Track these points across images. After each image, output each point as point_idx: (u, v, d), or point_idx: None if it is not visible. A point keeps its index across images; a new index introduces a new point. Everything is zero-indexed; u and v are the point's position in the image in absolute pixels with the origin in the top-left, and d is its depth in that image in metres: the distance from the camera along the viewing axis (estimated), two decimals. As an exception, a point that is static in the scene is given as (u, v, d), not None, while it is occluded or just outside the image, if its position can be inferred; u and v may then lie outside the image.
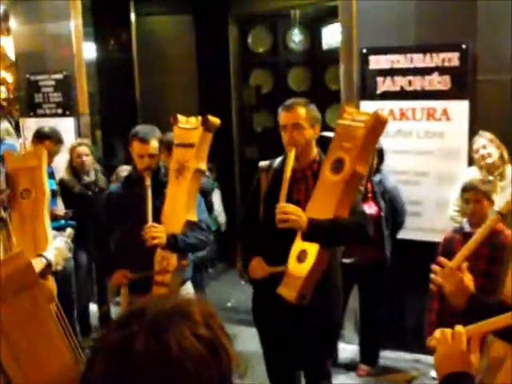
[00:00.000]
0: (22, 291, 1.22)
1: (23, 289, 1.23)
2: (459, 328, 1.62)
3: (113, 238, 3.58)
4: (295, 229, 3.02)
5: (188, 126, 3.37)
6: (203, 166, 3.41)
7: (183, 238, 3.32)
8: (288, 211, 2.99)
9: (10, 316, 1.16)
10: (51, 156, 4.50)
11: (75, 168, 5.03)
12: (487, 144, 4.18)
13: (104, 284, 5.17)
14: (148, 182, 3.37)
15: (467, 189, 3.84)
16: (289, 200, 3.11)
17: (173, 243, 3.28)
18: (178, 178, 3.35)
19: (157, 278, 3.27)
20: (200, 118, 3.33)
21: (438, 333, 1.66)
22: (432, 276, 2.36)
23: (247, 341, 4.82)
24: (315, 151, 3.27)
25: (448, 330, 1.63)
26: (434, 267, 2.35)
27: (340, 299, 3.47)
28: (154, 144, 3.47)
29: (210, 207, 4.95)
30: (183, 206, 3.33)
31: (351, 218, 3.04)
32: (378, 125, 2.94)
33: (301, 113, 3.17)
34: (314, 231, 3.00)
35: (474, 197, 3.77)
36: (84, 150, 5.07)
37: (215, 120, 3.32)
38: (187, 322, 1.05)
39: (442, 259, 2.35)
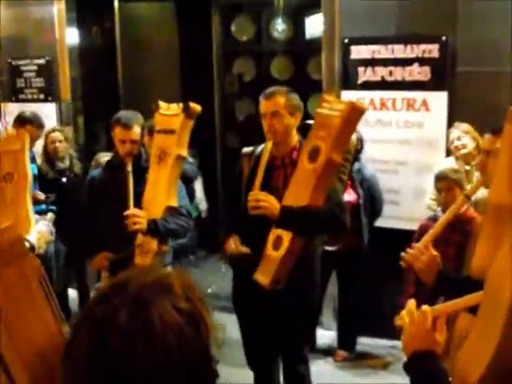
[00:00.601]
0: (12, 263, 1.25)
1: (13, 260, 1.26)
2: (425, 307, 1.68)
3: (95, 222, 3.60)
4: (267, 216, 3.07)
5: (169, 112, 3.40)
6: (184, 152, 3.44)
7: (163, 223, 3.35)
8: (260, 198, 3.06)
9: (0, 287, 1.20)
10: (33, 141, 4.49)
11: (49, 154, 5.02)
12: (462, 135, 4.25)
13: (82, 269, 5.19)
14: (130, 167, 3.39)
15: (439, 178, 3.90)
16: (267, 187, 3.16)
17: (153, 228, 3.30)
18: (159, 163, 3.37)
19: (137, 260, 3.30)
20: (181, 104, 3.36)
21: (404, 313, 1.72)
22: (402, 254, 2.47)
23: (228, 327, 4.88)
24: (295, 139, 3.30)
25: (414, 310, 1.70)
26: (407, 250, 2.45)
27: (317, 285, 3.50)
28: (137, 130, 3.49)
29: (191, 194, 4.98)
30: (164, 192, 3.36)
31: (326, 206, 3.07)
32: (353, 114, 2.97)
33: (280, 101, 3.20)
34: (286, 219, 3.06)
35: (446, 185, 3.83)
36: (57, 135, 5.06)
37: (196, 107, 3.35)
38: (168, 295, 1.07)
39: (413, 244, 2.44)
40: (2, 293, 1.19)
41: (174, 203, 3.42)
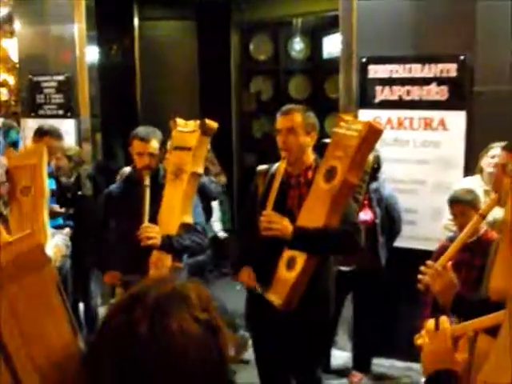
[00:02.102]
0: (33, 270, 1.26)
1: (34, 268, 1.26)
2: (445, 326, 1.65)
3: (109, 236, 3.60)
4: (280, 237, 3.06)
5: (186, 129, 3.41)
6: (200, 169, 3.44)
7: (178, 239, 3.34)
8: (272, 220, 3.04)
9: (20, 295, 1.20)
10: (52, 153, 4.52)
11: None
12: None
13: (88, 282, 5.20)
14: (147, 181, 3.39)
15: (451, 202, 3.80)
16: (282, 206, 3.15)
17: (168, 244, 3.30)
18: (175, 180, 3.38)
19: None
20: (198, 121, 3.37)
21: (424, 332, 1.69)
22: (420, 276, 2.43)
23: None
24: (311, 158, 3.28)
25: (433, 329, 1.67)
26: (423, 268, 2.41)
27: (330, 307, 3.43)
28: (155, 144, 3.50)
29: (209, 213, 4.94)
30: (179, 209, 3.36)
31: (341, 227, 3.04)
32: (371, 134, 2.94)
33: (296, 119, 3.20)
34: (298, 241, 3.05)
35: (459, 209, 3.73)
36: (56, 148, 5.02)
37: (213, 124, 3.36)
38: (186, 305, 1.07)
39: (428, 262, 2.40)
40: (21, 297, 1.19)
41: (190, 220, 3.42)
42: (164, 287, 1.12)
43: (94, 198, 4.96)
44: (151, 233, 3.26)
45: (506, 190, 2.27)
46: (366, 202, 4.33)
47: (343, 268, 4.27)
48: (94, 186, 5.12)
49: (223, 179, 5.72)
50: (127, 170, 4.92)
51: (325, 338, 3.58)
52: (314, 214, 3.03)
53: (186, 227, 3.40)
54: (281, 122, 3.23)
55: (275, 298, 3.10)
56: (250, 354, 4.77)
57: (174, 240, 3.33)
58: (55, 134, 4.87)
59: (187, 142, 3.39)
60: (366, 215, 4.27)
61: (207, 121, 3.35)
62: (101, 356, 1.05)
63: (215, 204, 5.66)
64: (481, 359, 1.75)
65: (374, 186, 4.39)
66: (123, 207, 3.56)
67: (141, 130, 3.59)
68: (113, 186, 3.87)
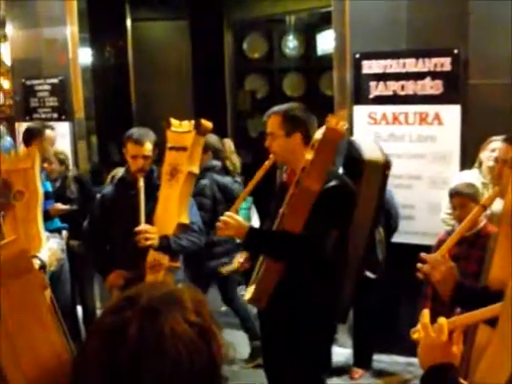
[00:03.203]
0: (17, 277, 1.25)
1: (18, 275, 1.25)
2: (441, 320, 1.65)
3: (106, 239, 3.60)
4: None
5: (181, 129, 3.40)
6: (196, 169, 3.44)
7: (176, 239, 3.35)
8: (227, 221, 3.04)
9: (5, 300, 1.19)
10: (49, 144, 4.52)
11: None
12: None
13: (85, 285, 5.19)
14: (141, 183, 3.39)
15: (452, 194, 3.83)
16: (276, 210, 3.16)
17: (165, 245, 3.30)
18: (171, 180, 3.38)
19: (148, 277, 3.29)
20: (193, 121, 3.36)
21: (420, 325, 1.69)
22: (419, 265, 2.42)
23: (241, 345, 4.85)
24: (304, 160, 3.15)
25: (429, 323, 1.66)
26: (423, 255, 2.41)
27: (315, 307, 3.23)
28: (149, 146, 3.51)
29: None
30: (175, 209, 3.36)
31: (299, 234, 2.97)
32: (329, 138, 2.90)
33: (273, 122, 3.13)
34: (249, 242, 3.08)
35: (459, 202, 3.76)
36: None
37: (208, 123, 3.35)
38: (179, 308, 1.07)
39: (425, 254, 2.40)
40: (7, 306, 1.18)
41: (186, 220, 3.42)
42: (158, 290, 1.12)
43: (82, 200, 4.93)
44: (149, 234, 3.25)
45: (507, 181, 2.27)
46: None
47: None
48: (81, 188, 5.08)
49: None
50: (120, 170, 4.91)
51: (305, 340, 3.25)
52: (289, 219, 3.03)
53: (182, 227, 3.40)
54: (266, 125, 3.21)
55: (248, 293, 3.22)
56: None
57: (172, 240, 3.33)
58: (42, 126, 4.85)
59: (182, 142, 3.39)
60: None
61: (202, 121, 3.35)
62: (90, 356, 1.04)
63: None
64: (480, 351, 1.75)
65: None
66: (119, 210, 3.57)
67: (134, 132, 3.58)
68: (106, 190, 3.87)
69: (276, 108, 3.24)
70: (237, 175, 4.81)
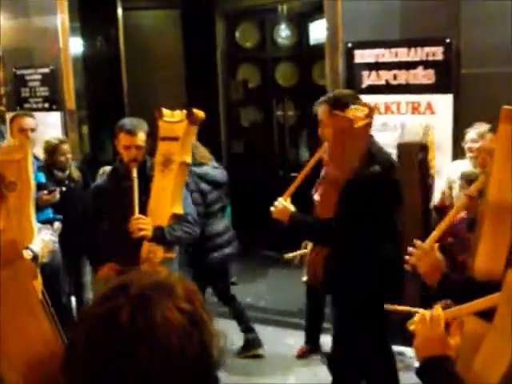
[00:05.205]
0: (6, 266, 1.25)
1: (7, 264, 1.25)
2: (438, 311, 1.65)
3: (100, 230, 3.58)
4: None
5: (173, 119, 3.39)
6: (188, 158, 3.43)
7: (170, 230, 3.34)
8: (276, 205, 3.30)
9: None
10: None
11: (55, 164, 4.92)
12: (477, 138, 4.16)
13: (80, 277, 5.18)
14: (135, 173, 3.37)
15: (461, 178, 3.88)
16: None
17: (159, 236, 3.29)
18: (164, 171, 3.37)
19: (144, 268, 3.27)
20: (184, 111, 3.35)
21: (417, 317, 1.69)
22: (406, 257, 2.44)
23: (234, 335, 4.86)
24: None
25: (426, 314, 1.67)
26: (411, 249, 2.43)
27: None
28: (142, 136, 3.48)
29: (223, 200, 4.71)
30: (169, 199, 3.35)
31: (324, 219, 3.20)
32: (341, 127, 3.02)
33: (323, 110, 3.17)
34: (291, 225, 3.30)
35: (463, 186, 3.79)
36: (67, 148, 4.97)
37: (200, 113, 3.34)
38: (171, 296, 1.07)
39: (416, 241, 2.42)
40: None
41: (180, 210, 3.41)
42: (149, 278, 1.12)
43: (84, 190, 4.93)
44: (142, 224, 3.24)
45: (489, 170, 2.29)
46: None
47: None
48: (83, 178, 5.07)
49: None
50: (108, 168, 4.87)
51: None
52: (319, 204, 3.28)
53: (176, 218, 3.40)
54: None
55: (304, 275, 3.51)
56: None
57: (166, 231, 3.32)
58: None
59: (175, 131, 3.38)
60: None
61: (194, 110, 3.34)
62: (79, 345, 1.04)
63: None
64: (468, 341, 1.76)
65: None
66: (112, 201, 3.54)
67: (127, 122, 3.55)
68: (99, 181, 3.85)
69: (325, 96, 3.29)
70: (212, 162, 4.73)
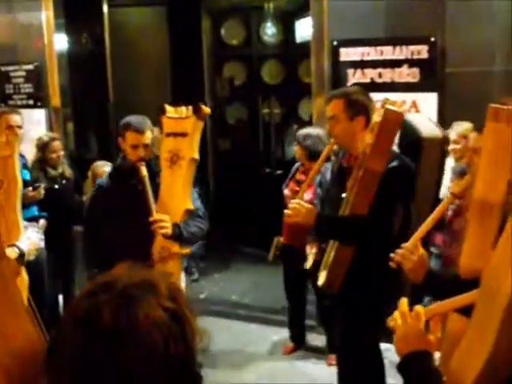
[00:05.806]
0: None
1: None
2: (418, 308, 1.67)
3: (103, 233, 3.44)
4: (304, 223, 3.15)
5: (177, 115, 3.37)
6: (197, 154, 3.37)
7: (185, 226, 3.28)
8: (297, 208, 3.11)
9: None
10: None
11: (47, 162, 4.91)
12: (458, 139, 4.19)
13: (70, 278, 5.17)
14: (144, 172, 3.26)
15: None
16: (337, 195, 3.25)
17: (177, 232, 3.23)
18: (172, 167, 3.31)
19: (158, 266, 3.22)
20: (190, 107, 3.34)
21: (396, 313, 1.71)
22: (391, 255, 2.47)
23: (221, 332, 4.87)
24: (365, 144, 3.18)
25: (406, 311, 1.68)
26: (396, 250, 2.46)
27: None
28: (149, 134, 3.38)
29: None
30: (180, 195, 3.30)
31: (369, 215, 3.03)
32: (390, 119, 2.97)
33: (336, 106, 3.16)
34: (319, 228, 3.17)
35: None
36: (58, 145, 4.97)
37: (207, 109, 3.35)
38: (154, 294, 1.07)
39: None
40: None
41: (191, 206, 3.35)
42: (133, 276, 1.12)
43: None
44: (163, 222, 3.18)
45: (475, 169, 2.31)
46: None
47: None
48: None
49: None
50: (99, 165, 4.84)
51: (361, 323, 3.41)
52: (353, 201, 3.08)
53: (189, 213, 3.34)
54: (326, 110, 3.24)
55: (321, 278, 3.27)
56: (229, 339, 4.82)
57: (183, 227, 3.26)
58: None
59: (182, 127, 3.33)
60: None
61: (202, 106, 3.33)
62: (64, 342, 1.04)
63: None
64: (451, 339, 1.78)
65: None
66: (117, 203, 3.41)
67: (133, 120, 3.40)
68: (100, 181, 3.68)
69: (336, 92, 3.29)
70: None
